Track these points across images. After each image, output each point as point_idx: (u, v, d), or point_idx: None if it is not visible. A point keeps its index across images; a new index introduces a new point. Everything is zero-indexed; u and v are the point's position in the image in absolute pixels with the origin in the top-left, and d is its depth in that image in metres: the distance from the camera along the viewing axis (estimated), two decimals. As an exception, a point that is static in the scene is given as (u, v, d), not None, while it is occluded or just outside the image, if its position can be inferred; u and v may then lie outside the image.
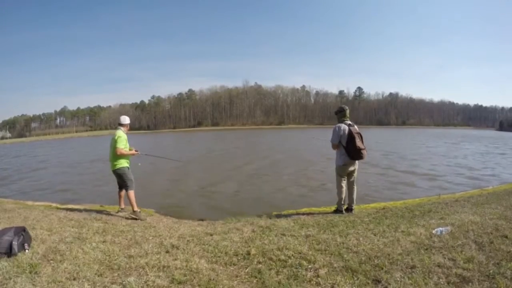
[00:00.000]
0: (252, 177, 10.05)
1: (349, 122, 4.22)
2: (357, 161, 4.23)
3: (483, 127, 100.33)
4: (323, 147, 11.96)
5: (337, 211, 4.35)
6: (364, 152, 4.08)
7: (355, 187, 4.35)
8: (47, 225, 3.67)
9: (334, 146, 4.22)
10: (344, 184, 4.25)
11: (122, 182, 4.55)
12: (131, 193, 4.48)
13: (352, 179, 4.32)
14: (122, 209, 4.78)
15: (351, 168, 4.22)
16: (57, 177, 11.77)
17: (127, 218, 4.38)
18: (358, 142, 4.03)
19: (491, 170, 11.03)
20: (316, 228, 3.45)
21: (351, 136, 4.03)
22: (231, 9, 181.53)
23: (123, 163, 4.46)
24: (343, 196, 4.29)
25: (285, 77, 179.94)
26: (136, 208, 4.49)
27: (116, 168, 4.45)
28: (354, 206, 4.40)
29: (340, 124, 4.19)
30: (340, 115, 4.28)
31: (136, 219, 4.37)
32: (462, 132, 54.98)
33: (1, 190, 9.06)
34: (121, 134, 4.46)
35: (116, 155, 4.40)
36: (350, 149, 4.06)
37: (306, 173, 10.47)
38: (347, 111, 4.27)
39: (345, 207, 4.37)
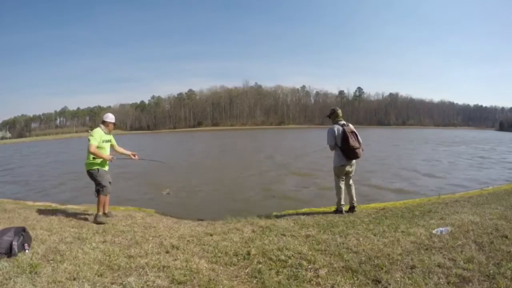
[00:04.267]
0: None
1: (343, 122, 4.24)
2: (354, 161, 4.24)
3: (483, 127, 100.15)
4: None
5: (337, 211, 4.35)
6: (359, 151, 4.08)
7: (352, 185, 4.36)
8: (47, 225, 3.68)
9: (332, 148, 4.24)
10: (342, 184, 4.25)
11: (95, 184, 4.12)
12: (100, 197, 4.07)
13: (349, 179, 4.33)
14: (107, 213, 4.30)
15: (349, 169, 4.22)
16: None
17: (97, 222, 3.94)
18: (352, 141, 4.03)
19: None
20: (316, 228, 3.45)
21: (345, 136, 4.05)
22: (231, 9, 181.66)
23: (93, 165, 4.02)
24: (342, 196, 4.29)
25: (285, 77, 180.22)
26: (99, 212, 4.06)
27: (87, 169, 4.08)
28: (356, 204, 4.40)
29: (333, 125, 4.21)
30: (333, 116, 4.31)
31: (100, 223, 3.91)
32: (459, 133, 54.26)
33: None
34: (95, 132, 4.06)
35: (89, 154, 4.00)
36: (345, 149, 4.07)
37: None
38: (339, 111, 4.30)
39: (346, 207, 4.36)
